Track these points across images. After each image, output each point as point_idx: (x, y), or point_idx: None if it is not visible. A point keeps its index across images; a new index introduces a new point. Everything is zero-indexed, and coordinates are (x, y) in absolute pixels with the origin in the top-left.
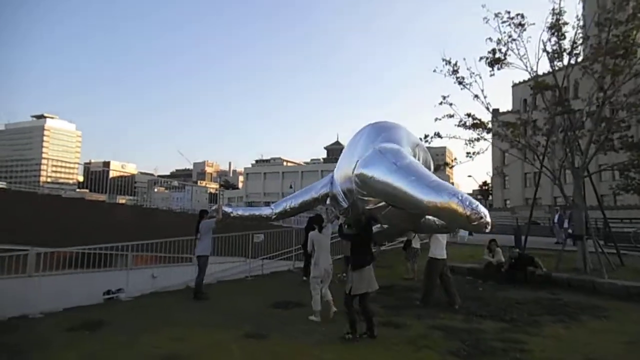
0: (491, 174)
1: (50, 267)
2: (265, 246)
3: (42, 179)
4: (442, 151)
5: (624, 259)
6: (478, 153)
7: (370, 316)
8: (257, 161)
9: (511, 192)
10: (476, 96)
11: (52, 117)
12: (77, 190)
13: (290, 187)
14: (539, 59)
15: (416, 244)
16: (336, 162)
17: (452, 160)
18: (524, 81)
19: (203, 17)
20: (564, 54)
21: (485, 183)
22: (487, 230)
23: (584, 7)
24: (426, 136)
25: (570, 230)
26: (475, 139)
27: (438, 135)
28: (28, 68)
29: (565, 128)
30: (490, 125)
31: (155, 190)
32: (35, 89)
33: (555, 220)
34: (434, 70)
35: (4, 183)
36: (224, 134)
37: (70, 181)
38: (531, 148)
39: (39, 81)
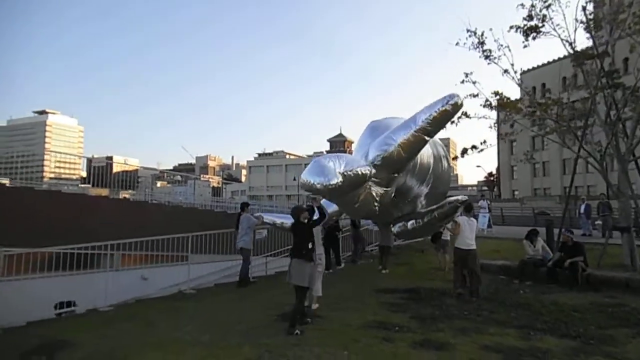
0: (501, 163)
1: (17, 271)
2: (269, 242)
3: (46, 174)
4: (445, 142)
5: None
6: (507, 134)
7: (294, 314)
8: (259, 154)
9: (519, 182)
10: (506, 71)
11: (53, 113)
12: (80, 185)
13: (294, 179)
14: (576, 29)
15: (446, 235)
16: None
17: (470, 149)
18: (539, 66)
19: (199, 4)
20: (603, 22)
21: (491, 174)
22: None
23: None
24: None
25: (598, 222)
26: (502, 121)
27: (465, 114)
28: (27, 61)
29: (609, 106)
30: (520, 105)
31: (158, 184)
32: (34, 83)
33: (582, 210)
34: (457, 44)
35: (7, 179)
36: (227, 127)
37: (74, 176)
38: (571, 129)
39: (38, 76)
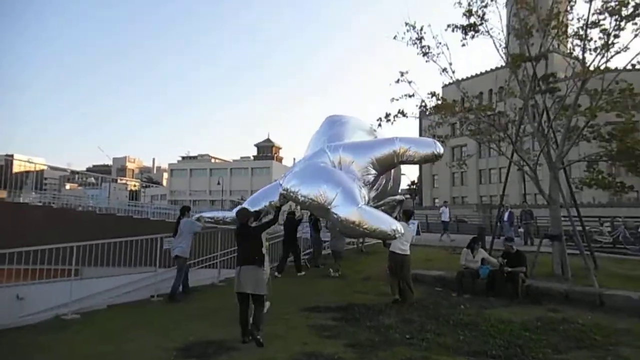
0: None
1: None
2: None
3: None
4: None
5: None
6: (446, 137)
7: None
8: (183, 157)
9: (440, 190)
10: (444, 70)
11: None
12: None
13: (218, 183)
14: (509, 33)
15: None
16: (266, 159)
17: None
18: (476, 75)
19: (110, 9)
20: (533, 30)
21: (413, 182)
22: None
23: None
24: (387, 115)
25: (521, 229)
26: (437, 123)
27: (402, 113)
28: None
29: (541, 113)
30: (457, 108)
31: (67, 187)
32: None
33: (505, 218)
34: (395, 37)
35: None
36: (149, 129)
37: None
38: (506, 135)
39: None
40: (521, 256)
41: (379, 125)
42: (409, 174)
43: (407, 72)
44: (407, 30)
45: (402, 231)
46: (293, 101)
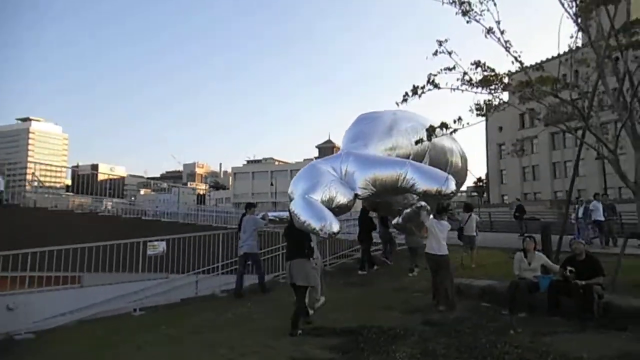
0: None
1: None
2: (203, 255)
3: (29, 182)
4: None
5: None
6: (492, 110)
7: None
8: (248, 161)
9: (508, 186)
10: (489, 30)
11: (37, 120)
12: (64, 194)
13: (272, 184)
14: None
15: (470, 230)
16: None
17: (439, 128)
18: (522, 68)
19: (189, 17)
20: None
21: (480, 179)
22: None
23: None
24: (415, 88)
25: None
26: (487, 102)
27: (433, 83)
28: (14, 70)
29: (622, 78)
30: (507, 80)
31: (142, 192)
32: (21, 92)
33: (580, 214)
34: None
35: None
36: (216, 135)
37: (58, 185)
38: (576, 110)
39: (25, 84)
40: (594, 262)
41: (404, 100)
42: (475, 170)
43: (446, 41)
44: None
45: (335, 230)
46: (355, 98)
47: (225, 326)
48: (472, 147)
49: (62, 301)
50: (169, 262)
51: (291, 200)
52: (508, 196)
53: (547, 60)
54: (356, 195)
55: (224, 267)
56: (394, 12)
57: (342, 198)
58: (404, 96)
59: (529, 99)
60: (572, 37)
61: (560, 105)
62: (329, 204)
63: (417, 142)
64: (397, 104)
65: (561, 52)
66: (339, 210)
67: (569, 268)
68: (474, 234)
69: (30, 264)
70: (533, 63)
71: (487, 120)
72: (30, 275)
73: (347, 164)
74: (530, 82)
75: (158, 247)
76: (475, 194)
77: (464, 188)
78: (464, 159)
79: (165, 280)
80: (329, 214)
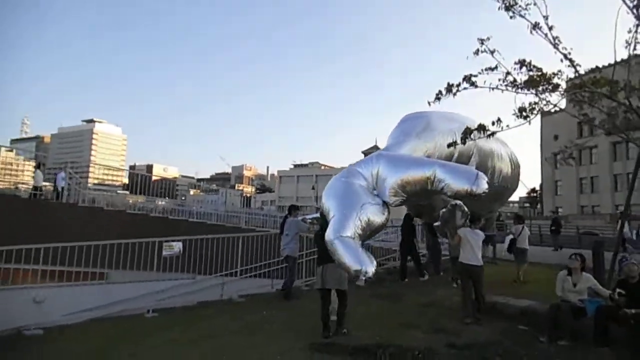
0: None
1: None
2: (235, 257)
3: (90, 180)
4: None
5: None
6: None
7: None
8: (295, 165)
9: (564, 198)
10: (535, 26)
11: (100, 122)
12: (119, 192)
13: (313, 188)
14: None
15: (523, 243)
16: None
17: (476, 130)
18: (578, 75)
19: (244, 17)
20: None
21: (533, 190)
22: None
23: None
24: (450, 86)
25: None
26: (533, 104)
27: (469, 81)
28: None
29: None
30: (557, 80)
31: (191, 192)
32: (82, 94)
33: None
34: None
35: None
36: (266, 138)
37: (117, 183)
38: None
39: (84, 87)
40: None
41: (437, 98)
42: (528, 182)
43: (488, 39)
44: None
45: (370, 274)
46: (404, 105)
47: (234, 334)
48: (525, 156)
49: (87, 297)
50: (195, 262)
51: (323, 216)
52: (563, 208)
53: (604, 67)
54: (388, 205)
55: (253, 270)
56: (449, 24)
57: (375, 219)
58: (437, 94)
59: (583, 102)
60: (629, 31)
61: (618, 109)
62: (364, 231)
63: (449, 145)
64: (429, 103)
65: (617, 54)
66: (376, 230)
67: (617, 291)
68: (527, 247)
69: (60, 258)
70: (586, 66)
71: (541, 126)
72: (59, 270)
73: (379, 167)
74: (583, 84)
75: (174, 247)
76: (527, 204)
77: (515, 198)
78: (515, 165)
79: (191, 282)
80: (364, 258)
